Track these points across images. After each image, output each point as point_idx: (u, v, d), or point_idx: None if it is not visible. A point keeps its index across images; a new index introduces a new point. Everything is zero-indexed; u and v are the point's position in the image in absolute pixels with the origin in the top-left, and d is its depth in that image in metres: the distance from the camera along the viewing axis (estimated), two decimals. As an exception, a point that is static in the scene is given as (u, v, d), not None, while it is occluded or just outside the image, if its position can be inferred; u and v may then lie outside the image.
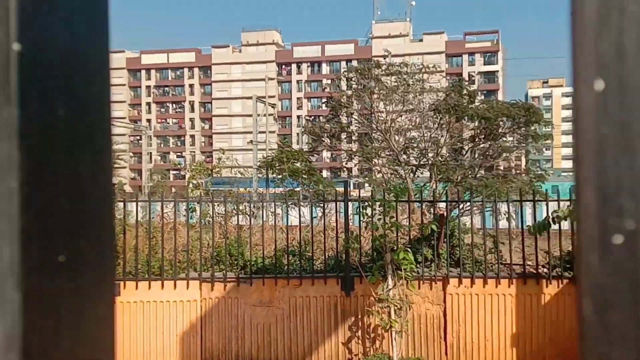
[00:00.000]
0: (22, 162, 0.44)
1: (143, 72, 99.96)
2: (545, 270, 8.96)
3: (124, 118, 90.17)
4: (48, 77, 0.48)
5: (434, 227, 8.55)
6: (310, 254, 9.72)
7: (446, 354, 9.18)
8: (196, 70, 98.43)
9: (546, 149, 73.37)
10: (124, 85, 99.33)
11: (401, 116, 17.88)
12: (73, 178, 0.50)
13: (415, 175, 17.55)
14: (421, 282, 9.01)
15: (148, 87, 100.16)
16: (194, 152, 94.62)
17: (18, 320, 0.43)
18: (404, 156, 17.44)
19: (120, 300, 9.20)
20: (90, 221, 0.53)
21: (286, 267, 9.45)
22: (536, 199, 9.29)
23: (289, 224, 10.87)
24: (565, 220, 8.29)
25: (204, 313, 9.31)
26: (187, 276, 9.33)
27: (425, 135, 17.52)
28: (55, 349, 0.46)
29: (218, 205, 11.00)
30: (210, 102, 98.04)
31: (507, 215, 9.57)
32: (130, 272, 9.38)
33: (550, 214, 8.32)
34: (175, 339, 9.30)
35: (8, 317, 0.43)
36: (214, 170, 26.01)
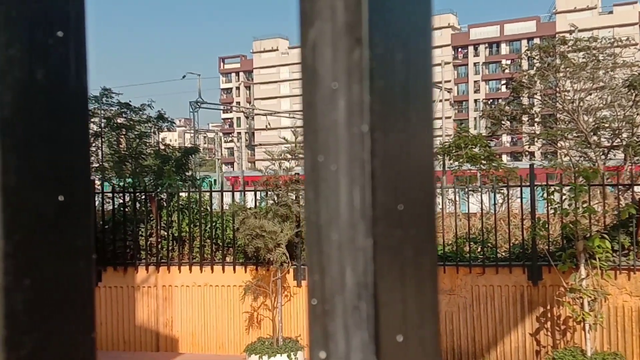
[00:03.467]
0: (373, 106, 0.46)
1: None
2: None
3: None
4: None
5: (633, 210, 7.86)
6: (494, 242, 9.42)
7: (647, 350, 8.44)
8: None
9: None
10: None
11: (590, 94, 16.75)
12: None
13: (607, 158, 16.36)
14: (618, 271, 8.37)
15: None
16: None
17: (370, 267, 0.46)
18: (594, 137, 16.31)
19: (305, 284, 9.60)
20: None
21: (467, 254, 9.25)
22: None
23: (468, 211, 10.64)
24: None
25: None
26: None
27: (619, 114, 16.24)
28: (401, 296, 0.49)
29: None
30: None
31: None
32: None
33: None
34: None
35: (360, 264, 0.47)
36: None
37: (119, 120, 14.83)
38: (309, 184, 0.47)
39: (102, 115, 14.80)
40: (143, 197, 10.86)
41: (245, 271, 9.80)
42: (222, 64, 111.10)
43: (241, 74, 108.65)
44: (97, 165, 14.68)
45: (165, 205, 10.75)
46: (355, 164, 0.46)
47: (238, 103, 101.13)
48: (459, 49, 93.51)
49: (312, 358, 0.47)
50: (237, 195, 10.23)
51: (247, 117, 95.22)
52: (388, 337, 0.48)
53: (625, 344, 8.47)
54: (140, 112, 15.24)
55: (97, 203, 10.63)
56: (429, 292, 0.49)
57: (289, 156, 9.42)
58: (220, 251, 10.19)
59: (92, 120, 14.70)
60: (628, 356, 8.31)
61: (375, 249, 0.47)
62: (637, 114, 16.04)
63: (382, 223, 0.47)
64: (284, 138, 9.66)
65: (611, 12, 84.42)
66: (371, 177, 0.46)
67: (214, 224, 10.27)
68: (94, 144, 14.66)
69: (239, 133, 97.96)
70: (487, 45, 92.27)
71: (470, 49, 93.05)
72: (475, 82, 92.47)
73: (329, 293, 0.48)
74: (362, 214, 0.47)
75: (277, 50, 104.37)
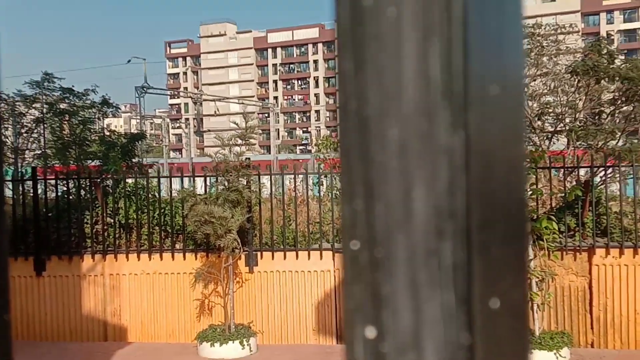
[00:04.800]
0: None
1: (269, 50, 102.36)
2: None
3: (252, 97, 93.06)
4: None
5: (578, 192, 8.05)
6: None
7: (592, 328, 8.70)
8: (320, 45, 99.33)
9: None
10: (252, 64, 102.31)
11: (535, 80, 17.06)
12: None
13: (551, 142, 16.74)
14: (564, 252, 8.57)
15: (274, 65, 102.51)
16: (319, 127, 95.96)
17: (460, 182, 0.28)
18: (539, 122, 16.64)
19: (257, 270, 9.52)
20: None
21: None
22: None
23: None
24: None
25: (338, 283, 9.41)
26: (321, 247, 9.46)
27: (562, 99, 16.61)
28: (500, 236, 0.32)
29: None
30: (335, 77, 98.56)
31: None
32: (266, 243, 9.65)
33: None
34: (310, 307, 9.49)
35: (442, 175, 0.30)
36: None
37: (61, 106, 14.33)
38: (345, 47, 0.30)
39: (44, 100, 14.29)
40: (87, 183, 10.54)
41: (196, 258, 9.64)
42: (168, 48, 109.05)
43: (188, 58, 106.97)
44: (40, 151, 14.21)
45: (111, 191, 10.46)
46: (433, 4, 0.28)
47: (185, 88, 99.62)
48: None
49: (351, 338, 0.32)
50: (186, 181, 10.03)
51: (195, 103, 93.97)
52: (481, 302, 0.30)
53: (572, 323, 8.69)
54: (84, 98, 14.75)
55: (40, 190, 10.27)
56: (520, 233, 0.32)
57: (240, 141, 9.28)
58: (169, 238, 9.99)
59: (33, 105, 14.19)
60: (575, 334, 8.54)
61: (467, 152, 0.29)
62: (579, 100, 16.43)
63: (477, 108, 0.29)
64: (235, 122, 9.51)
65: (554, 0, 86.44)
66: (463, 26, 0.28)
67: (162, 210, 10.05)
68: (36, 130, 14.17)
69: (187, 119, 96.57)
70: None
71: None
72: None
73: (382, 228, 0.31)
74: (445, 91, 0.29)
75: (225, 35, 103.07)
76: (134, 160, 13.47)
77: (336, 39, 0.30)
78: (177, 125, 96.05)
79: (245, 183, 9.14)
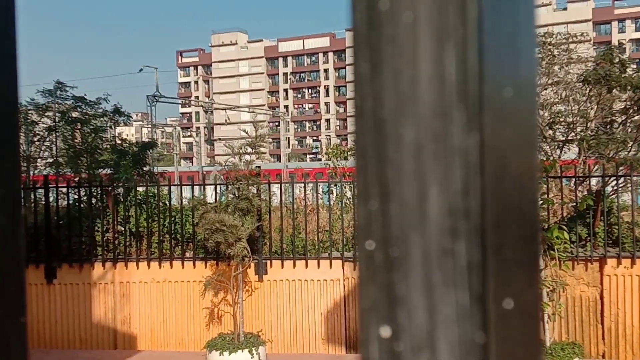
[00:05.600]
0: None
1: (280, 59, 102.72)
2: None
3: (263, 105, 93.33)
4: None
5: (590, 201, 8.00)
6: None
7: (603, 339, 8.62)
8: (330, 54, 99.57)
9: None
10: (263, 73, 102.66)
11: (546, 89, 16.99)
12: None
13: (562, 152, 16.66)
14: (575, 262, 8.51)
15: (285, 74, 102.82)
16: (330, 135, 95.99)
17: (475, 183, 0.29)
18: (550, 131, 16.58)
19: (267, 278, 9.51)
20: None
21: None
22: None
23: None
24: None
25: (347, 292, 9.38)
26: (330, 256, 9.44)
27: (573, 108, 16.54)
28: (514, 235, 0.32)
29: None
30: (345, 86, 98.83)
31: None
32: (276, 252, 9.65)
33: None
34: (319, 317, 9.46)
35: (457, 177, 0.30)
36: (349, 153, 26.26)
37: (73, 114, 14.43)
38: (361, 50, 0.30)
39: (56, 109, 14.39)
40: (99, 191, 10.59)
41: (206, 266, 9.65)
42: (180, 57, 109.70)
43: (199, 67, 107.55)
44: (51, 160, 14.30)
45: (122, 199, 10.51)
46: (448, 8, 0.29)
47: (196, 97, 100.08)
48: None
49: (366, 338, 0.31)
50: (196, 189, 10.06)
51: (206, 112, 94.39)
52: (495, 302, 0.31)
53: (583, 333, 8.62)
54: (96, 106, 14.85)
55: (51, 198, 10.33)
56: (533, 234, 0.33)
57: (250, 149, 9.31)
58: (179, 246, 10.01)
59: (46, 114, 14.29)
60: (586, 345, 8.47)
61: (482, 153, 0.29)
62: (591, 109, 16.36)
63: (492, 110, 0.29)
64: (245, 131, 9.54)
65: (565, 9, 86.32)
66: (478, 29, 0.29)
67: (172, 218, 10.08)
68: (48, 139, 14.26)
69: (198, 128, 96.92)
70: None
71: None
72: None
73: (397, 228, 0.31)
74: (460, 93, 0.29)
75: (236, 44, 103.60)
76: (145, 168, 13.54)
77: (352, 42, 0.30)
78: (188, 133, 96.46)
79: (255, 191, 9.16)
